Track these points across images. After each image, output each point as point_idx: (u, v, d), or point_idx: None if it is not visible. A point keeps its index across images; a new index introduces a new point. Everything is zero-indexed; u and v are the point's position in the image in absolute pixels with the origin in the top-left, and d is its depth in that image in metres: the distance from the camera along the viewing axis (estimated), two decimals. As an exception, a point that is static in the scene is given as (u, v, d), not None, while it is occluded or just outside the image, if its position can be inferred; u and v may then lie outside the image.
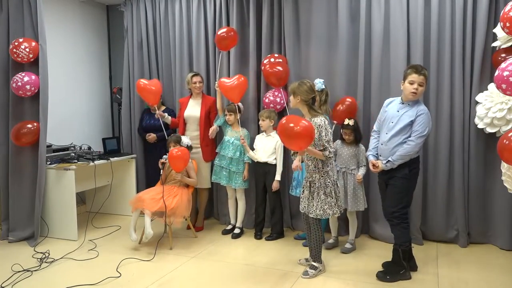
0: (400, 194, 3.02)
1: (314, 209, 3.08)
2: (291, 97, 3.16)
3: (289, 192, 3.98)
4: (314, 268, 3.17)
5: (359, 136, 3.60)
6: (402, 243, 3.03)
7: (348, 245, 3.64)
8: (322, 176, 3.07)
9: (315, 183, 3.09)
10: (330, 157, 3.03)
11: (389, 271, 3.07)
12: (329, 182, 3.08)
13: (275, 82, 3.95)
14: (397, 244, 3.04)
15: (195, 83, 4.18)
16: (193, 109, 4.23)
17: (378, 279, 3.04)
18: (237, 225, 4.16)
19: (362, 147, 3.63)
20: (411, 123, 2.95)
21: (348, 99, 3.82)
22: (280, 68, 3.90)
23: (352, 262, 3.40)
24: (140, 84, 4.08)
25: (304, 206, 3.19)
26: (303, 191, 3.23)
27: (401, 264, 3.04)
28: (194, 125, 4.23)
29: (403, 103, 3.04)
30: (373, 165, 3.12)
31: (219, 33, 4.02)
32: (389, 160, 3.00)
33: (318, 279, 3.08)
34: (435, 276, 3.09)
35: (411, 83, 2.94)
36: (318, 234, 3.17)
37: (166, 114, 4.38)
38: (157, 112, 4.25)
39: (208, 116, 4.21)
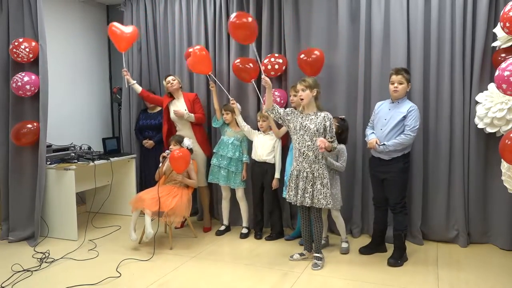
0: (401, 187, 3.36)
1: (315, 199, 3.20)
2: (307, 92, 3.19)
3: (282, 196, 3.82)
4: (320, 259, 3.30)
5: (345, 135, 3.61)
6: (403, 228, 3.37)
7: (345, 244, 3.62)
8: (320, 167, 3.22)
9: (313, 173, 3.20)
10: (335, 148, 3.25)
11: (398, 256, 3.34)
12: (326, 173, 3.24)
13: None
14: (400, 230, 3.36)
15: (168, 82, 4.17)
16: (177, 109, 4.15)
17: (390, 266, 3.27)
18: (244, 224, 4.16)
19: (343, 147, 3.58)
20: (403, 119, 3.25)
21: (316, 52, 3.77)
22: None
23: (351, 261, 3.40)
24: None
25: (302, 198, 3.21)
26: (297, 182, 3.24)
27: (403, 247, 3.38)
28: (182, 124, 4.20)
29: (392, 103, 3.36)
30: (371, 143, 3.32)
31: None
32: (384, 144, 3.26)
33: (318, 279, 3.08)
34: (435, 276, 3.09)
35: (392, 83, 3.31)
36: (321, 225, 3.33)
37: (133, 81, 4.26)
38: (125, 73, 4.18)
39: (194, 111, 4.16)
